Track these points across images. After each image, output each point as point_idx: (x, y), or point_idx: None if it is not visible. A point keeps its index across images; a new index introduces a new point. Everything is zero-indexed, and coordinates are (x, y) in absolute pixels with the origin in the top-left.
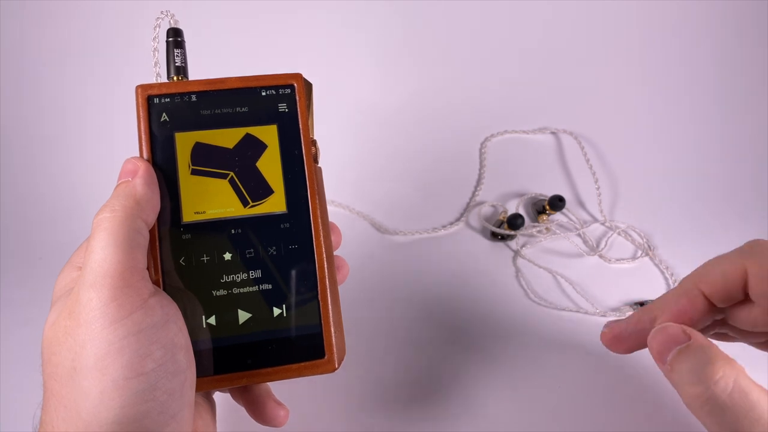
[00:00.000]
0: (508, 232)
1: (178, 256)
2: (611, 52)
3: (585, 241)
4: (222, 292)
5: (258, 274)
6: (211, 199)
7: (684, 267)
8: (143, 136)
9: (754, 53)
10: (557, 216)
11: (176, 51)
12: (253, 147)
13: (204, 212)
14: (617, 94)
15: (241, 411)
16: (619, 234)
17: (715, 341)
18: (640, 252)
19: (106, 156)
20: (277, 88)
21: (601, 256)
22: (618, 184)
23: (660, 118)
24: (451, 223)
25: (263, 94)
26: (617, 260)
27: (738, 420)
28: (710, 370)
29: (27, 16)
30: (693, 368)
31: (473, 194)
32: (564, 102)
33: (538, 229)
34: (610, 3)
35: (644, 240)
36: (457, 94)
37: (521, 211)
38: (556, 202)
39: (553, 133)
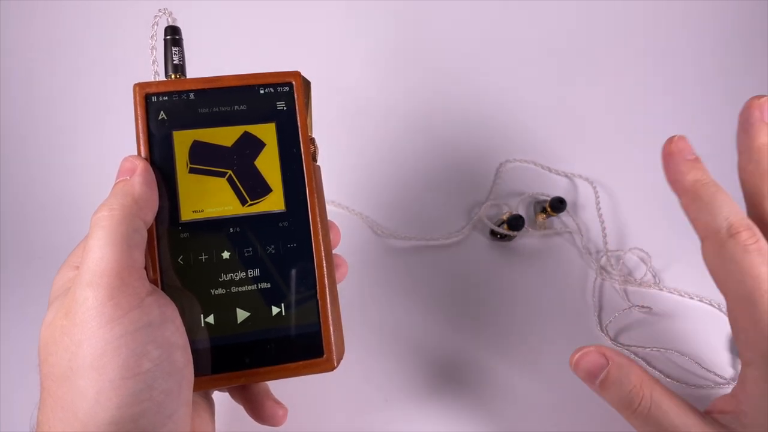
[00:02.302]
0: (507, 232)
1: (176, 255)
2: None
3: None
4: (220, 291)
5: (256, 272)
6: (210, 198)
7: None
8: (141, 135)
9: None
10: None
11: (174, 49)
12: (251, 145)
13: (202, 211)
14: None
15: (240, 410)
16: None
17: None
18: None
19: (104, 154)
20: (275, 86)
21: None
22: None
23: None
24: (451, 234)
25: (261, 92)
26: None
27: (657, 426)
28: (632, 395)
29: (24, 15)
30: (620, 393)
31: (478, 209)
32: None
33: (541, 234)
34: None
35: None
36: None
37: (521, 211)
38: (557, 204)
39: (569, 177)
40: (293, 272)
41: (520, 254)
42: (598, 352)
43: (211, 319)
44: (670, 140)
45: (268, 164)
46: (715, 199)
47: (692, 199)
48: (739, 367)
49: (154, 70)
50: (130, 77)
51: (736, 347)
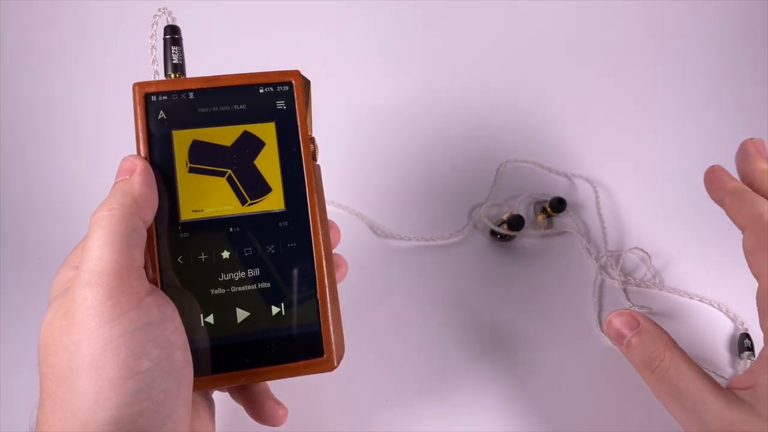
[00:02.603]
0: (507, 232)
1: (175, 254)
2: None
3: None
4: (220, 291)
5: (256, 272)
6: (209, 198)
7: None
8: (141, 134)
9: None
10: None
11: (174, 48)
12: (251, 145)
13: (202, 210)
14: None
15: (240, 410)
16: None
17: None
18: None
19: (103, 154)
20: (275, 85)
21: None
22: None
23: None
24: (451, 234)
25: (261, 91)
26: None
27: (671, 390)
28: (653, 355)
29: (23, 15)
30: (643, 353)
31: (479, 209)
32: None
33: (541, 234)
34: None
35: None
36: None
37: (521, 211)
38: (557, 204)
39: (568, 177)
40: (293, 272)
41: (520, 254)
42: (632, 316)
43: (210, 318)
44: (712, 166)
45: (268, 163)
46: (755, 197)
47: (735, 198)
48: (739, 366)
49: (153, 70)
50: (129, 77)
51: (736, 346)
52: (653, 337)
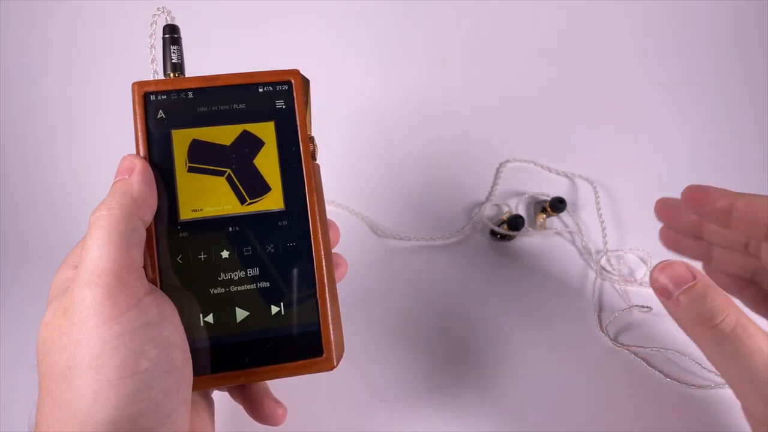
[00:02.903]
0: (507, 232)
1: (175, 254)
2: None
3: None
4: (219, 290)
5: (256, 272)
6: (208, 197)
7: None
8: (140, 134)
9: None
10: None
11: (173, 48)
12: (250, 144)
13: (201, 210)
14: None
15: (240, 410)
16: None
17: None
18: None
19: (103, 154)
20: (274, 84)
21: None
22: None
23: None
24: (451, 234)
25: (260, 90)
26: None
27: (737, 349)
28: (716, 310)
29: (22, 15)
30: (699, 308)
31: (479, 209)
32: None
33: (541, 234)
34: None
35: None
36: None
37: (521, 211)
38: (557, 204)
39: (569, 177)
40: (292, 271)
41: (520, 254)
42: (686, 268)
43: (210, 318)
44: (689, 187)
45: (267, 163)
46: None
47: (750, 200)
48: None
49: (152, 69)
50: (128, 76)
51: None
52: (714, 292)
